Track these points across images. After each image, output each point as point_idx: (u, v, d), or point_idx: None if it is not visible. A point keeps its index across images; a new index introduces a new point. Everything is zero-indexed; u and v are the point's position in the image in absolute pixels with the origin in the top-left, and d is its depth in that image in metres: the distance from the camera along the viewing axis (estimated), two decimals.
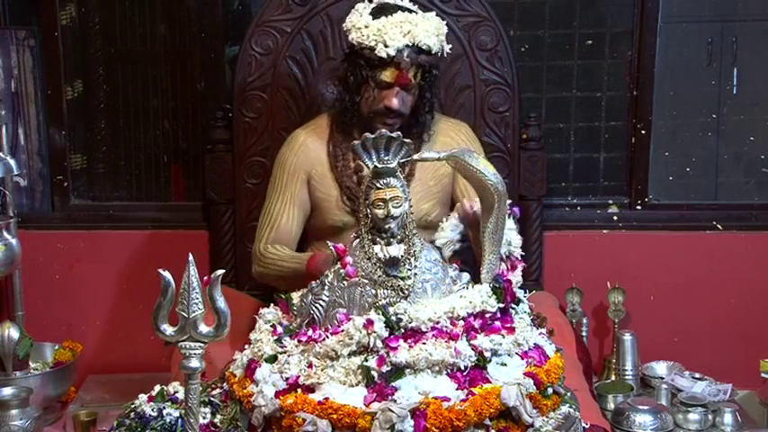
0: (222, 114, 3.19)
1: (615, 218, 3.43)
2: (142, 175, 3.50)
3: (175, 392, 2.27)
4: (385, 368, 2.02)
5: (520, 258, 2.36)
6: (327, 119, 2.82)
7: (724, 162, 3.49)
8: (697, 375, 3.21)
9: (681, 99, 3.45)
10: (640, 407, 2.89)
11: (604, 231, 3.43)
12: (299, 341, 2.13)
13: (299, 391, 2.04)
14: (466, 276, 2.28)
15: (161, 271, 1.80)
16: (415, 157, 2.24)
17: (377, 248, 2.17)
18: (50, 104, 3.42)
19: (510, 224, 2.34)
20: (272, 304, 2.39)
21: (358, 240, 2.21)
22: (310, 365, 2.07)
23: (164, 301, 1.80)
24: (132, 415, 2.23)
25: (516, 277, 2.28)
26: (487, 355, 2.08)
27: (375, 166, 2.15)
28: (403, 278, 2.15)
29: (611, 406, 3.02)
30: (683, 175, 3.49)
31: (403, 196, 2.17)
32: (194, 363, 1.82)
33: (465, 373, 2.04)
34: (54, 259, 3.42)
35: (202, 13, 3.42)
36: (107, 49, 3.45)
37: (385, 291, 2.14)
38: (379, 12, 2.60)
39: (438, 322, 2.09)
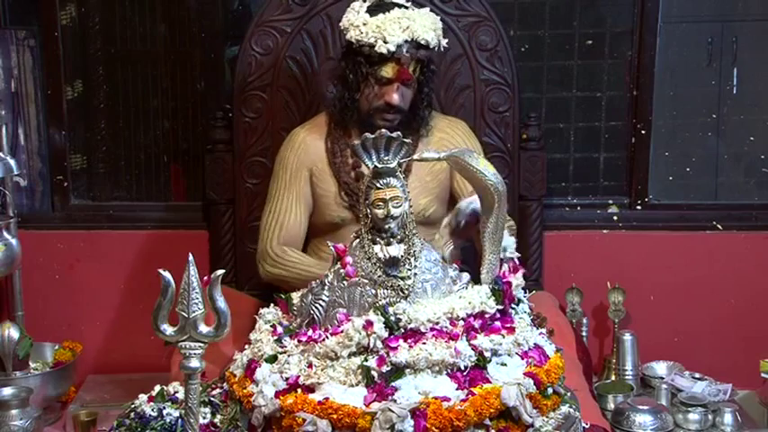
0: (222, 114, 3.19)
1: (615, 218, 3.43)
2: (142, 175, 3.50)
3: (175, 392, 2.27)
4: (385, 368, 2.02)
5: (516, 260, 2.35)
6: (326, 117, 2.84)
7: (724, 162, 3.49)
8: (697, 375, 3.21)
9: (681, 99, 3.45)
10: (640, 407, 2.89)
11: (604, 231, 3.43)
12: (299, 341, 2.13)
13: (299, 391, 2.04)
14: (466, 276, 2.28)
15: (161, 271, 1.80)
16: (415, 156, 2.25)
17: (377, 248, 2.17)
18: (50, 104, 3.42)
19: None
20: (272, 304, 2.39)
21: (358, 240, 2.21)
22: (310, 365, 2.07)
23: (164, 301, 1.80)
24: (132, 415, 2.23)
25: (517, 279, 2.28)
26: (487, 355, 2.08)
27: (375, 166, 2.15)
28: (403, 278, 2.15)
29: (611, 406, 3.02)
30: (683, 175, 3.49)
31: (403, 196, 2.16)
32: (194, 363, 1.82)
33: (465, 373, 2.04)
34: (54, 259, 3.42)
35: (202, 13, 3.42)
36: (107, 49, 3.45)
37: (385, 291, 2.14)
38: (376, 9, 2.62)
39: (437, 323, 2.09)
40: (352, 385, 2.02)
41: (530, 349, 2.16)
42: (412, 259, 2.17)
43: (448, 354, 2.03)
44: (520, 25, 3.38)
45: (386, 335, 2.06)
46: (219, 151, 3.18)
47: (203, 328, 1.81)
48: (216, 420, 2.17)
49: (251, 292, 3.14)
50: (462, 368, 2.04)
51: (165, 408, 2.22)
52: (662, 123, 3.44)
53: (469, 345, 2.07)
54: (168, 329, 1.82)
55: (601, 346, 3.45)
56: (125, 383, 3.24)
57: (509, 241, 2.36)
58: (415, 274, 2.16)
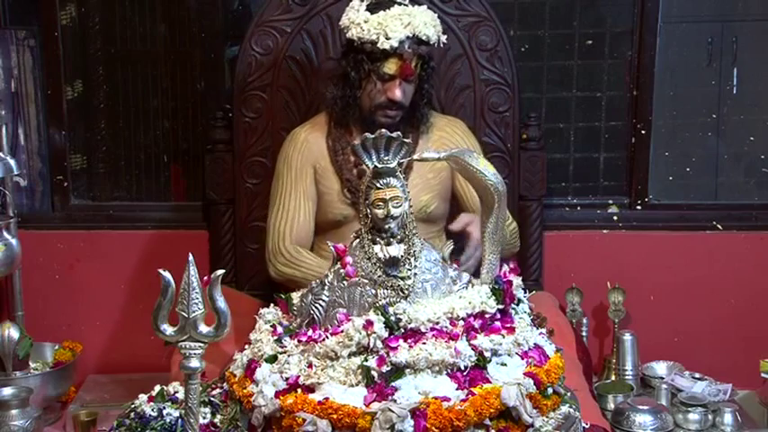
0: (222, 114, 3.19)
1: (615, 218, 3.43)
2: (142, 175, 3.50)
3: (175, 392, 2.27)
4: (385, 368, 2.02)
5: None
6: (325, 116, 2.86)
7: (724, 162, 3.49)
8: (697, 375, 3.21)
9: (681, 99, 3.45)
10: (640, 407, 2.89)
11: (604, 231, 3.43)
12: (299, 341, 2.13)
13: (299, 391, 2.04)
14: (466, 276, 2.28)
15: (161, 271, 1.80)
16: (415, 157, 2.25)
17: (377, 248, 2.17)
18: (50, 104, 3.42)
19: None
20: (271, 304, 2.39)
21: (358, 240, 2.21)
22: (310, 365, 2.07)
23: (164, 301, 1.80)
24: (132, 415, 2.23)
25: (517, 279, 2.28)
26: (487, 355, 2.08)
27: (375, 166, 2.15)
28: (403, 278, 2.15)
29: (611, 406, 3.01)
30: (683, 175, 3.49)
31: (403, 196, 2.16)
32: (194, 363, 1.82)
33: (465, 373, 2.04)
34: (54, 259, 3.42)
35: (202, 13, 3.42)
36: (107, 49, 3.45)
37: (385, 291, 2.14)
38: (375, 7, 2.64)
39: (437, 323, 2.09)
40: (352, 385, 2.02)
41: (530, 349, 2.16)
42: (412, 259, 2.17)
43: (448, 354, 2.03)
44: (520, 25, 3.38)
45: (386, 335, 2.05)
46: (219, 151, 3.18)
47: (203, 328, 1.81)
48: (216, 420, 2.17)
49: (251, 292, 3.14)
50: (462, 368, 2.04)
51: (165, 408, 2.22)
52: (662, 123, 3.44)
53: (469, 345, 2.07)
54: (168, 329, 1.82)
55: (601, 346, 3.45)
56: (125, 383, 3.25)
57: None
58: (415, 274, 2.16)
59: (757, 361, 3.12)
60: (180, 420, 2.17)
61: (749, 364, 3.19)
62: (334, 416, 1.95)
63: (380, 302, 2.12)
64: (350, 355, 2.06)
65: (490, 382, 2.03)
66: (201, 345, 1.82)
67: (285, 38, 3.09)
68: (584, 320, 3.37)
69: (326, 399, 1.98)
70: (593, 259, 3.40)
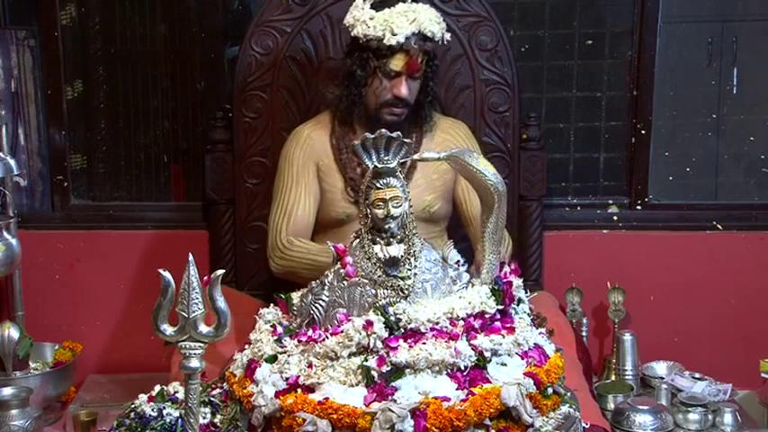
0: (222, 114, 3.19)
1: (615, 218, 3.43)
2: (142, 175, 3.50)
3: (175, 392, 2.27)
4: (385, 368, 2.02)
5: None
6: (329, 115, 2.86)
7: (724, 162, 3.49)
8: (697, 375, 3.21)
9: (681, 99, 3.45)
10: (640, 407, 2.89)
11: (604, 231, 3.43)
12: (299, 341, 2.13)
13: (299, 391, 2.04)
14: (466, 276, 2.28)
15: (161, 271, 1.80)
16: (415, 156, 2.25)
17: (377, 248, 2.17)
18: (50, 104, 3.42)
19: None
20: (271, 304, 2.39)
21: (358, 240, 2.21)
22: (310, 365, 2.07)
23: (164, 301, 1.80)
24: (132, 415, 2.23)
25: (518, 280, 2.28)
26: (487, 355, 2.08)
27: (375, 166, 2.15)
28: (403, 278, 2.15)
29: (611, 406, 3.01)
30: (683, 175, 3.49)
31: (403, 196, 2.17)
32: (194, 363, 1.82)
33: (465, 373, 2.04)
34: (54, 259, 3.42)
35: (202, 13, 3.42)
36: (107, 49, 3.45)
37: (385, 291, 2.14)
38: (380, 5, 2.66)
39: (437, 323, 2.09)
40: (352, 385, 2.02)
41: (530, 349, 2.16)
42: (412, 259, 2.17)
43: (448, 354, 2.03)
44: (520, 25, 3.38)
45: (386, 335, 2.06)
46: (219, 151, 3.18)
47: (203, 328, 1.81)
48: (216, 420, 2.17)
49: (251, 292, 3.14)
50: (462, 368, 2.04)
51: (165, 408, 2.21)
52: (662, 123, 3.44)
53: (469, 345, 2.07)
54: (168, 329, 1.82)
55: (601, 346, 3.45)
56: (125, 383, 3.24)
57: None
58: (415, 274, 2.16)
59: (757, 361, 3.12)
60: (180, 420, 2.17)
61: (749, 364, 3.19)
62: (334, 416, 1.95)
63: (380, 302, 2.12)
64: (350, 355, 2.06)
65: (490, 382, 2.04)
66: (201, 345, 1.82)
67: (285, 38, 3.09)
68: (584, 320, 3.37)
69: (326, 399, 1.98)
70: (593, 259, 3.40)
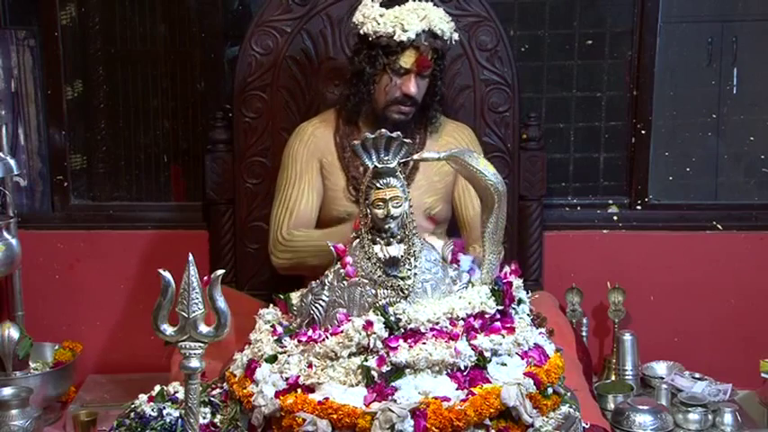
0: (222, 114, 3.19)
1: (615, 218, 3.43)
2: (142, 175, 3.50)
3: (175, 392, 2.27)
4: (385, 368, 2.02)
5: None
6: (334, 113, 2.86)
7: (724, 162, 3.49)
8: (697, 375, 3.21)
9: (681, 99, 3.45)
10: (640, 407, 2.89)
11: (604, 231, 3.43)
12: (299, 341, 2.13)
13: (299, 391, 2.04)
14: (466, 276, 2.27)
15: (161, 271, 1.80)
16: (416, 156, 2.25)
17: (377, 248, 2.17)
18: (50, 104, 3.42)
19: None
20: (271, 304, 2.39)
21: (358, 240, 2.21)
22: (310, 365, 2.07)
23: (164, 301, 1.80)
24: (132, 415, 2.23)
25: (518, 281, 2.28)
26: (487, 355, 2.08)
27: (375, 166, 2.15)
28: (403, 278, 2.15)
29: (611, 406, 3.01)
30: (683, 175, 3.49)
31: (403, 196, 2.17)
32: (194, 363, 1.82)
33: (465, 373, 2.04)
34: (54, 259, 3.42)
35: (202, 13, 3.42)
36: (107, 49, 3.45)
37: (385, 291, 2.14)
38: (390, 2, 2.66)
39: (437, 323, 2.09)
40: (352, 385, 2.02)
41: (530, 349, 2.16)
42: (412, 259, 2.17)
43: (448, 354, 2.03)
44: (520, 25, 3.38)
45: (386, 335, 2.06)
46: (219, 151, 3.18)
47: (203, 328, 1.81)
48: (216, 420, 2.17)
49: (251, 292, 3.14)
50: (462, 368, 2.04)
51: (165, 408, 2.22)
52: (662, 123, 3.44)
53: (469, 345, 2.07)
54: (168, 329, 1.82)
55: (601, 346, 3.45)
56: (125, 383, 3.24)
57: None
58: (415, 274, 2.16)
59: (757, 361, 3.12)
60: (180, 420, 2.17)
61: (749, 364, 3.19)
62: (334, 416, 1.95)
63: (380, 302, 2.12)
64: (350, 355, 2.06)
65: (490, 382, 2.04)
66: (201, 345, 1.82)
67: (285, 38, 3.09)
68: (584, 320, 3.37)
69: (326, 399, 1.98)
70: (593, 259, 3.40)
